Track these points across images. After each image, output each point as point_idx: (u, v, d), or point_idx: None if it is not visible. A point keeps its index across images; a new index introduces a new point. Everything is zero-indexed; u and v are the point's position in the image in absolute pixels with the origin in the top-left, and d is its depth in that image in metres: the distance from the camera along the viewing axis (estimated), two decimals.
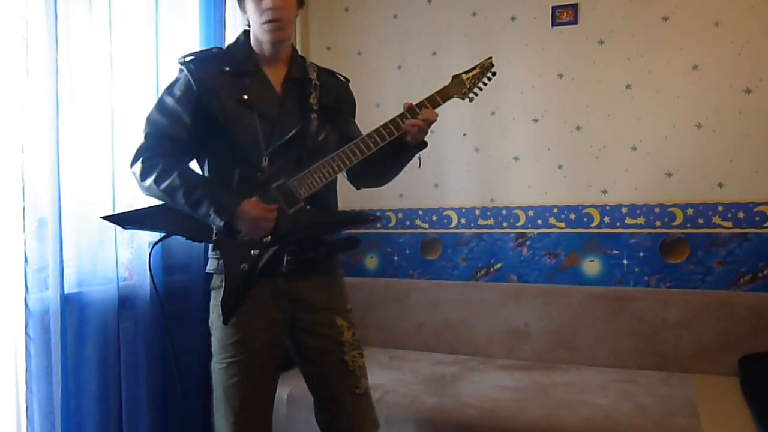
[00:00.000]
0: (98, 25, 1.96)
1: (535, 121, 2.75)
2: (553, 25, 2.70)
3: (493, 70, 1.60)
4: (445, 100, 1.54)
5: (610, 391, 2.10)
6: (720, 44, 2.45)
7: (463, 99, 1.58)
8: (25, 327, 1.71)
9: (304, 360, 1.61)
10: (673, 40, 2.52)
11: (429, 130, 1.53)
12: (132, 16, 2.10)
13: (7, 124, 1.71)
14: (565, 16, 2.68)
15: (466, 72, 1.58)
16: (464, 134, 2.87)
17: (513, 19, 2.78)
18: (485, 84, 1.60)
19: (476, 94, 1.59)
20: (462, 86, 1.56)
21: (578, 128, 2.68)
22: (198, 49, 2.30)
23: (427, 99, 1.52)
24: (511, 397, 2.08)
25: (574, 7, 2.66)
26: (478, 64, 1.60)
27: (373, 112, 2.95)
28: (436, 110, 1.52)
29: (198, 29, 2.35)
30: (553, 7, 2.69)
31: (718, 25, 2.45)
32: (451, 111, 2.84)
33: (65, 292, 1.79)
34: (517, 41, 2.77)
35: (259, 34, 1.51)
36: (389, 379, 2.29)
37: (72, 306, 1.86)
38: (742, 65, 2.42)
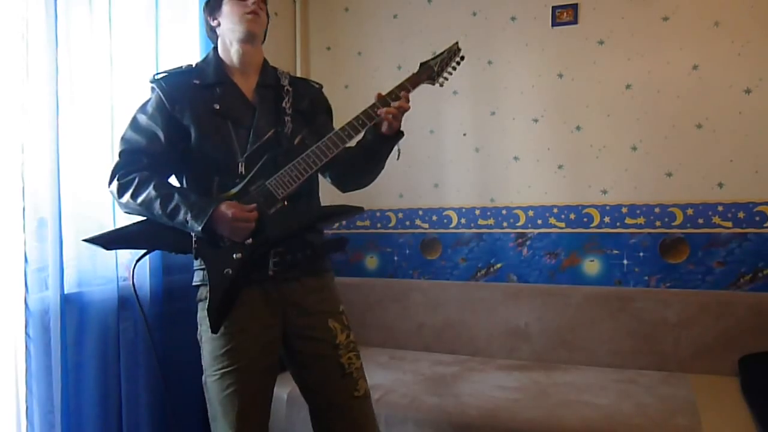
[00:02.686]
0: (98, 26, 1.96)
1: (535, 121, 2.75)
2: (553, 25, 2.71)
3: (461, 54, 1.62)
4: (415, 86, 1.55)
5: (610, 391, 2.10)
6: (720, 44, 2.45)
7: (433, 84, 1.60)
8: (25, 327, 1.71)
9: (298, 366, 1.58)
10: (673, 40, 2.52)
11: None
12: (132, 17, 2.10)
13: (7, 124, 1.71)
14: (565, 16, 2.68)
15: (434, 58, 1.60)
16: (464, 134, 2.87)
17: (513, 19, 2.78)
18: (454, 68, 1.62)
19: (446, 79, 1.61)
20: (430, 71, 1.58)
21: (578, 128, 2.68)
22: (196, 49, 2.32)
23: (397, 87, 1.53)
24: (511, 397, 2.08)
25: (574, 7, 2.66)
26: (446, 50, 1.62)
27: None
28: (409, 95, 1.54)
29: (198, 29, 2.35)
30: (553, 7, 2.70)
31: (718, 25, 2.45)
32: (451, 111, 2.86)
33: (65, 292, 1.79)
34: (517, 41, 2.77)
35: (236, 31, 1.53)
36: (389, 379, 2.29)
37: (72, 306, 1.86)
38: (742, 65, 2.42)
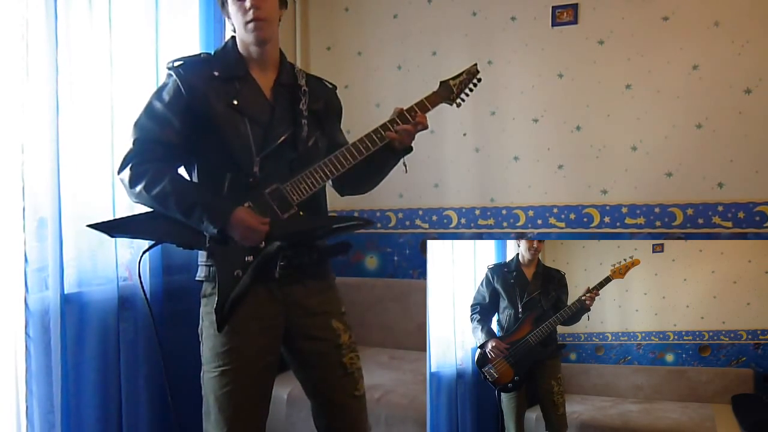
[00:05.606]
0: (98, 25, 1.96)
1: (535, 121, 2.75)
2: (553, 25, 2.71)
3: (478, 76, 1.63)
4: (434, 106, 1.57)
5: None
6: (720, 44, 2.45)
7: (451, 104, 1.61)
8: (25, 327, 1.71)
9: (301, 365, 1.59)
10: (673, 40, 2.52)
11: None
12: (132, 16, 2.10)
13: (7, 124, 1.71)
14: (565, 16, 2.68)
15: (453, 78, 1.60)
16: (464, 134, 2.87)
17: (513, 19, 2.78)
18: (471, 90, 1.63)
19: (463, 100, 1.62)
20: (450, 92, 1.59)
21: (578, 128, 2.68)
22: (197, 49, 2.32)
23: (417, 104, 1.54)
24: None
25: (574, 7, 2.66)
26: (465, 71, 1.62)
27: (373, 112, 2.95)
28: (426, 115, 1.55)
29: (198, 29, 2.35)
30: (553, 7, 2.70)
31: (718, 25, 2.45)
32: (451, 111, 2.85)
33: (65, 292, 1.79)
34: (517, 41, 2.77)
35: (244, 36, 1.51)
36: (389, 379, 2.29)
37: (72, 306, 1.86)
38: (742, 65, 2.42)
